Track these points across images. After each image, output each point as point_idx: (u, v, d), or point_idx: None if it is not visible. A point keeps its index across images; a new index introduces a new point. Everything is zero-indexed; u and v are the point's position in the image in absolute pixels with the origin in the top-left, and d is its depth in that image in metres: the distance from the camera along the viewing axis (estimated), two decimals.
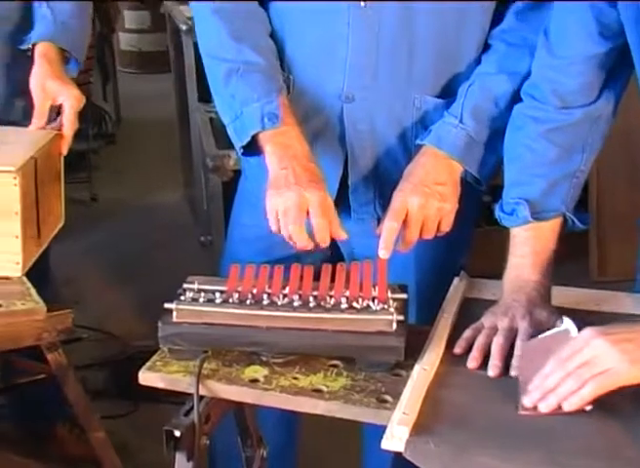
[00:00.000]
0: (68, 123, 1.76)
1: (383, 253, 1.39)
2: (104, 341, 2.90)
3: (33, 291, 1.60)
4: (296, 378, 1.26)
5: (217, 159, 2.63)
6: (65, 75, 1.80)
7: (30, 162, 1.65)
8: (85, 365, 2.64)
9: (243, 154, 1.53)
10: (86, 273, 3.35)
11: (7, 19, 1.88)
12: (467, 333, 1.33)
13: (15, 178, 1.58)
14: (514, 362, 1.26)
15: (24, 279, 1.63)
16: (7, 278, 1.62)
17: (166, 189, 4.13)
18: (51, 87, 1.75)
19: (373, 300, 1.29)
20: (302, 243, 1.40)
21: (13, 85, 1.86)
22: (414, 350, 1.28)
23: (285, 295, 1.31)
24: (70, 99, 1.76)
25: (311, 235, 1.41)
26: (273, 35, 1.55)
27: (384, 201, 1.50)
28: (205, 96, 3.07)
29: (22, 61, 1.82)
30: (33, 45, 1.80)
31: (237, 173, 2.48)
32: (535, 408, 1.15)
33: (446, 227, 1.47)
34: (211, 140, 2.83)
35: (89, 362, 2.71)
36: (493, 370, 1.26)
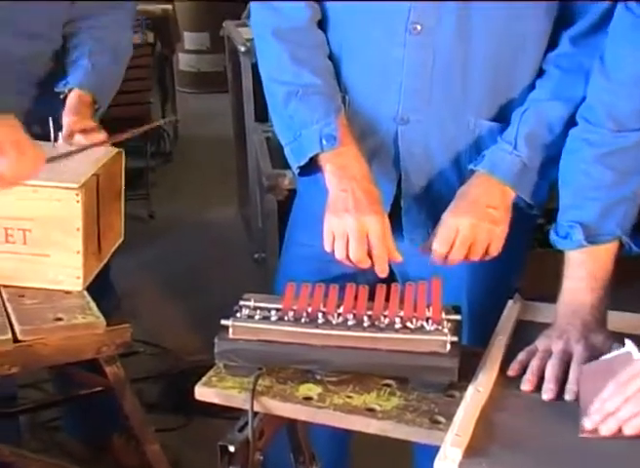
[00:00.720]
0: None
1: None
2: (159, 355, 2.93)
3: (93, 305, 1.63)
4: (349, 397, 1.26)
5: (272, 178, 2.65)
6: (93, 121, 1.87)
7: (92, 179, 1.69)
8: (140, 378, 2.67)
9: (300, 174, 1.54)
10: (143, 288, 3.39)
11: (39, 61, 1.94)
12: (521, 356, 1.32)
13: (77, 195, 1.61)
14: (569, 385, 1.25)
15: (85, 293, 1.66)
16: (68, 292, 1.66)
17: (221, 207, 4.16)
18: (79, 141, 1.80)
19: (427, 321, 1.29)
20: (362, 265, 1.42)
21: (32, 117, 1.90)
22: (467, 371, 1.27)
23: (340, 314, 1.32)
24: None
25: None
26: (331, 56, 1.57)
27: (436, 223, 1.50)
28: (262, 115, 3.09)
29: (47, 99, 1.91)
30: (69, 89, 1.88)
31: (292, 192, 2.51)
32: (595, 430, 1.14)
33: (494, 251, 1.47)
34: (267, 160, 2.85)
35: (144, 375, 2.74)
36: (547, 393, 1.25)
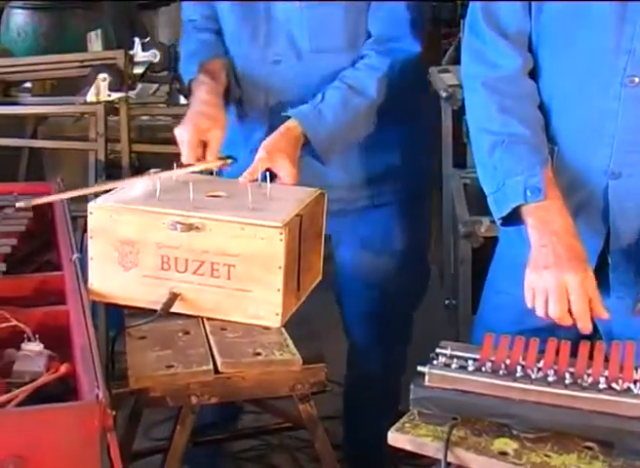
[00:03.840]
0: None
1: None
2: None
3: (290, 342, 1.66)
4: (547, 456, 1.22)
5: (469, 225, 2.62)
6: (296, 154, 1.85)
7: (296, 219, 1.73)
8: (326, 416, 2.68)
9: (502, 225, 1.52)
10: (331, 328, 3.42)
11: None
12: None
13: (281, 234, 1.65)
14: None
15: (283, 330, 1.70)
16: (267, 328, 1.70)
17: None
18: (279, 163, 1.82)
19: (634, 383, 1.23)
20: (563, 323, 1.38)
21: None
22: None
23: (539, 369, 1.29)
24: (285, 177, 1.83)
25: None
26: (540, 107, 1.55)
27: None
28: (460, 161, 3.08)
29: None
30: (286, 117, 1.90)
31: (488, 239, 2.48)
32: None
33: None
34: (463, 206, 2.83)
35: (330, 414, 2.76)
36: None
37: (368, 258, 2.14)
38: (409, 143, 2.07)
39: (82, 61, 2.66)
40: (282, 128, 1.84)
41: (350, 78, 1.91)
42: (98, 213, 1.71)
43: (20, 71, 2.75)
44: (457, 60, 2.26)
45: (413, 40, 1.92)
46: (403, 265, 2.14)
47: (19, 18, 3.87)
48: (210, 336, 1.67)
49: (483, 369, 1.30)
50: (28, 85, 2.94)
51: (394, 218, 2.12)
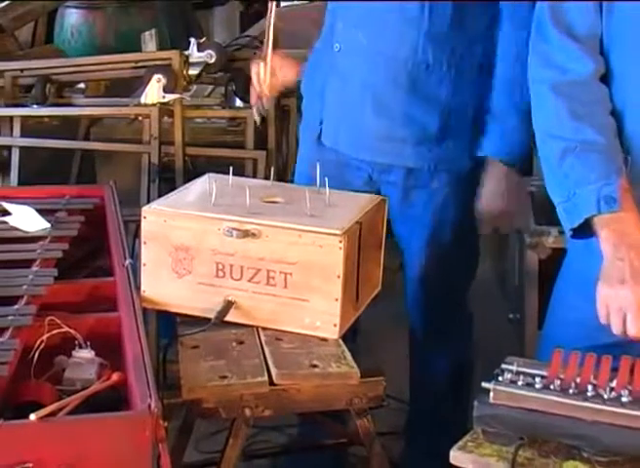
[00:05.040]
0: None
1: None
2: (402, 411, 2.93)
3: (348, 354, 1.66)
4: None
5: (535, 235, 2.59)
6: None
7: (355, 226, 1.73)
8: (382, 432, 2.67)
9: (572, 237, 1.50)
10: (388, 341, 3.41)
11: None
12: None
13: (340, 242, 1.66)
14: None
15: (340, 341, 1.70)
16: (324, 339, 1.70)
17: None
18: None
19: None
20: None
21: None
22: None
23: (612, 389, 1.26)
24: None
25: None
26: (613, 113, 1.52)
27: None
28: (525, 168, 3.04)
29: None
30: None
31: (556, 250, 2.44)
32: None
33: None
34: (530, 215, 2.80)
35: (386, 430, 2.75)
36: None
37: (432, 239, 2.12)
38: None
39: (136, 62, 2.69)
40: None
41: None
42: (151, 217, 1.73)
43: (73, 72, 2.79)
44: None
45: None
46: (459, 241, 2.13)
47: (72, 17, 3.93)
48: (265, 347, 1.68)
49: (551, 386, 1.28)
50: (82, 86, 2.99)
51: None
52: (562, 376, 1.30)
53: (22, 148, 2.69)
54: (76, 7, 3.94)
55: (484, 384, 1.30)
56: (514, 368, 1.34)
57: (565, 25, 1.52)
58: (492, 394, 1.29)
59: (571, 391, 1.27)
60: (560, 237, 2.41)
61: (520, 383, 1.30)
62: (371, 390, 1.63)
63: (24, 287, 1.61)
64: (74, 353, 1.51)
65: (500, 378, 1.32)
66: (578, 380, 1.29)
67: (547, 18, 1.54)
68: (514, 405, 1.28)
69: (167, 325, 1.96)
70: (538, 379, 1.30)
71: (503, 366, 1.35)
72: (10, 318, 1.49)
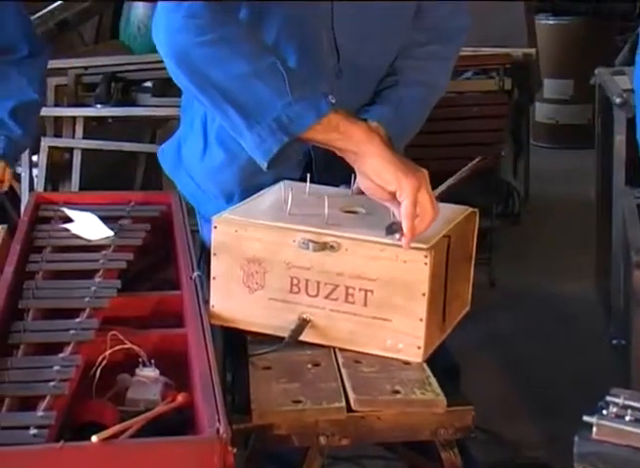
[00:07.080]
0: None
1: None
2: (492, 444, 2.90)
3: (433, 380, 1.64)
4: None
5: None
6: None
7: (443, 240, 1.72)
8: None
9: None
10: (476, 364, 3.39)
11: None
12: None
13: (426, 257, 1.64)
14: None
15: (425, 366, 1.68)
16: (407, 363, 1.69)
17: (574, 281, 4.08)
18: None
19: None
20: None
21: None
22: None
23: None
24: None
25: None
26: None
27: None
28: (634, 178, 3.01)
29: None
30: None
31: None
32: None
33: None
34: (637, 230, 2.75)
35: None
36: None
37: None
38: None
39: None
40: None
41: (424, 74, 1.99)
42: (222, 227, 1.74)
43: (139, 70, 2.84)
44: (632, 61, 2.21)
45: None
46: None
47: (139, 11, 4.00)
48: (342, 370, 1.67)
49: None
50: (149, 84, 3.03)
51: None
52: None
53: (85, 151, 2.74)
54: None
55: (586, 418, 1.28)
56: (621, 400, 1.31)
57: None
58: (595, 429, 1.27)
59: None
60: None
61: (628, 418, 1.27)
62: (458, 420, 1.61)
63: (87, 299, 1.64)
64: (137, 371, 1.53)
65: (604, 412, 1.29)
66: None
67: None
68: (621, 442, 1.26)
69: (235, 343, 1.97)
70: None
71: (608, 398, 1.32)
72: (71, 332, 1.52)
